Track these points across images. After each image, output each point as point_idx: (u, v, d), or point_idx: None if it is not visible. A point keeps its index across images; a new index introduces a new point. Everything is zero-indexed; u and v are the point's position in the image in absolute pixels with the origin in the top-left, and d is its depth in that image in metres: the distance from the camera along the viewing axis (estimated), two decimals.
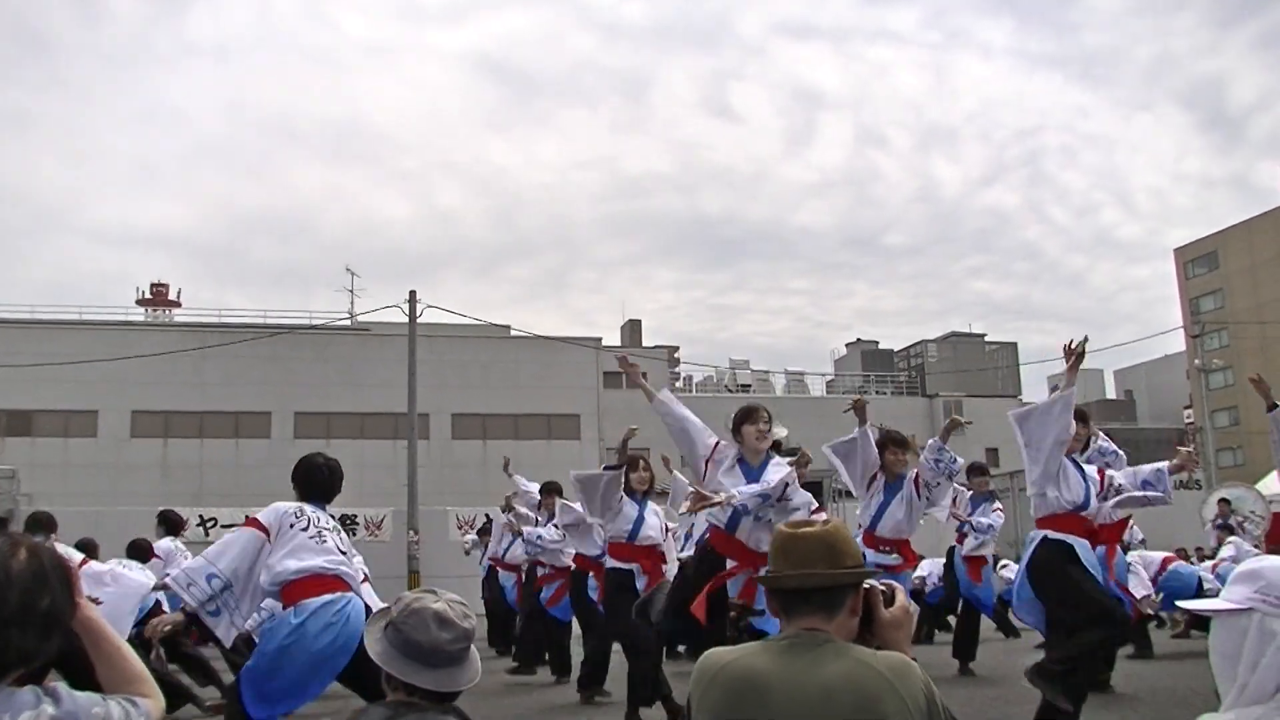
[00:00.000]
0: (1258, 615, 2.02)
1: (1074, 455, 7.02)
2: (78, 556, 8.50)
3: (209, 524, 23.76)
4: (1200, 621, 9.61)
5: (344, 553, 5.53)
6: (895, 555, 7.90)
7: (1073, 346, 6.68)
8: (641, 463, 8.30)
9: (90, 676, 2.20)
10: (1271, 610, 2.01)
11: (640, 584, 7.92)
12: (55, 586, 1.97)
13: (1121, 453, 9.04)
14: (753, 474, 6.59)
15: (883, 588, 2.50)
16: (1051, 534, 6.73)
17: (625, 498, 8.18)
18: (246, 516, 5.73)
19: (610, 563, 8.23)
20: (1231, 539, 13.60)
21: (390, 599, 2.89)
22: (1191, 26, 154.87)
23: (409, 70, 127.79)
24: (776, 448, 6.75)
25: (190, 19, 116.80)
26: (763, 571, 2.68)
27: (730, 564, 6.49)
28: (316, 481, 5.76)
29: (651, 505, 8.30)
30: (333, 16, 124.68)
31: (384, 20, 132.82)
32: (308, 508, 5.58)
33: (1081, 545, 6.66)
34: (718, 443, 6.80)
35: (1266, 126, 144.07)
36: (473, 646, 2.78)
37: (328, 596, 5.27)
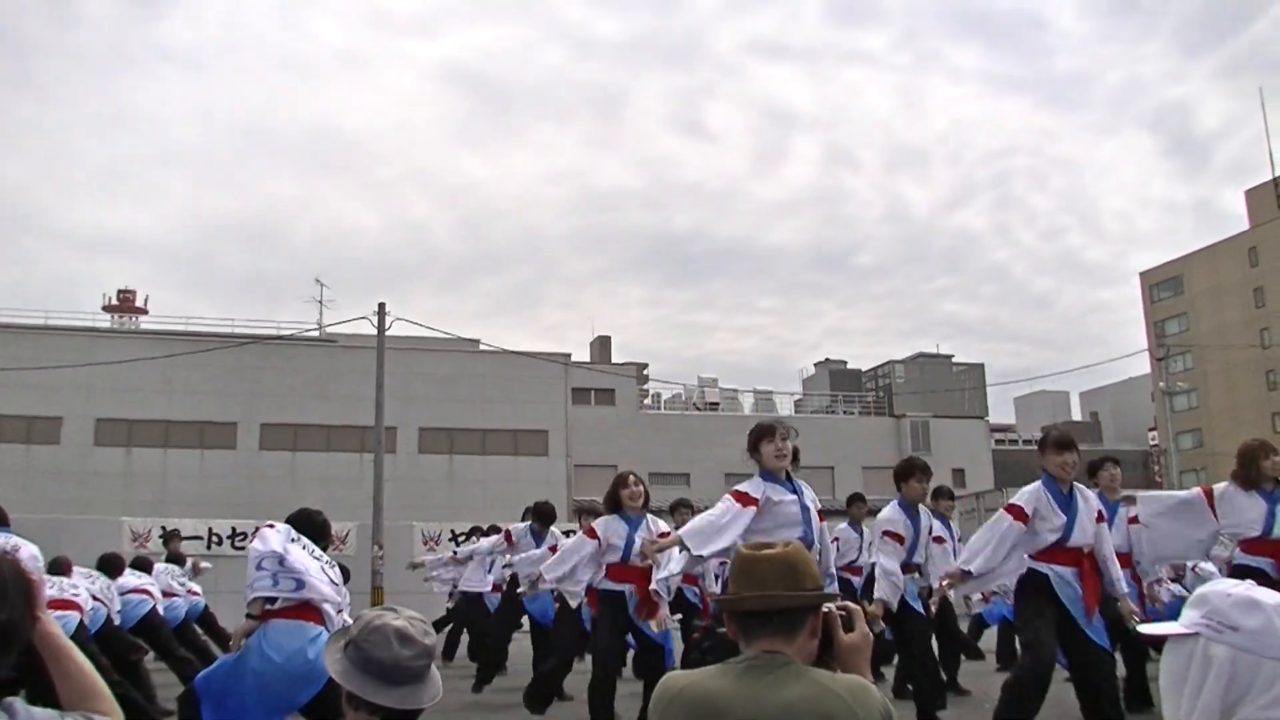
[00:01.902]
0: (1202, 640, 2.03)
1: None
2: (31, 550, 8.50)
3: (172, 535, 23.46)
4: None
5: (335, 584, 5.60)
6: None
7: None
8: (631, 478, 7.97)
9: (50, 692, 2.18)
10: (1213, 635, 2.01)
11: (632, 604, 7.75)
12: (14, 599, 1.93)
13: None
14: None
15: (842, 611, 2.50)
16: (1031, 563, 6.71)
17: (615, 518, 7.92)
18: (257, 527, 5.81)
19: (605, 585, 7.94)
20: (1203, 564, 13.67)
21: (354, 615, 2.88)
22: (1159, 53, 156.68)
23: (382, 80, 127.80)
24: (795, 459, 6.67)
25: (164, 24, 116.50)
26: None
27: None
28: (314, 524, 5.93)
29: (647, 522, 7.90)
30: (306, 25, 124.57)
31: (357, 30, 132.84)
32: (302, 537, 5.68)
33: (1060, 577, 6.55)
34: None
35: (1230, 153, 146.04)
36: (434, 664, 2.77)
37: (304, 624, 5.27)
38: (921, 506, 8.53)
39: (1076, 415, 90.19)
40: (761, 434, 6.57)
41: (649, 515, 7.99)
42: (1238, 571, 7.85)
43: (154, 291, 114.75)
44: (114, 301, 53.08)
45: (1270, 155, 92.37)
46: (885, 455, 50.93)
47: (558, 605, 9.47)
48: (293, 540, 5.52)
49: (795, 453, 6.58)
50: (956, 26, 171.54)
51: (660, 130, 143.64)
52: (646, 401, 54.89)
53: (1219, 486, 7.44)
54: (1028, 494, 6.69)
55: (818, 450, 41.80)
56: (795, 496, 6.38)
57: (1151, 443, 66.57)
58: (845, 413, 58.75)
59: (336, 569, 5.79)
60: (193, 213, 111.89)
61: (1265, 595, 2.05)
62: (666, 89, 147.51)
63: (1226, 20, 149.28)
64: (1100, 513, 6.82)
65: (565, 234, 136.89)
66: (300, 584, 5.28)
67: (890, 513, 8.19)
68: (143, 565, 11.75)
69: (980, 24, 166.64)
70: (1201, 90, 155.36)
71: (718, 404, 55.89)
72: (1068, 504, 6.64)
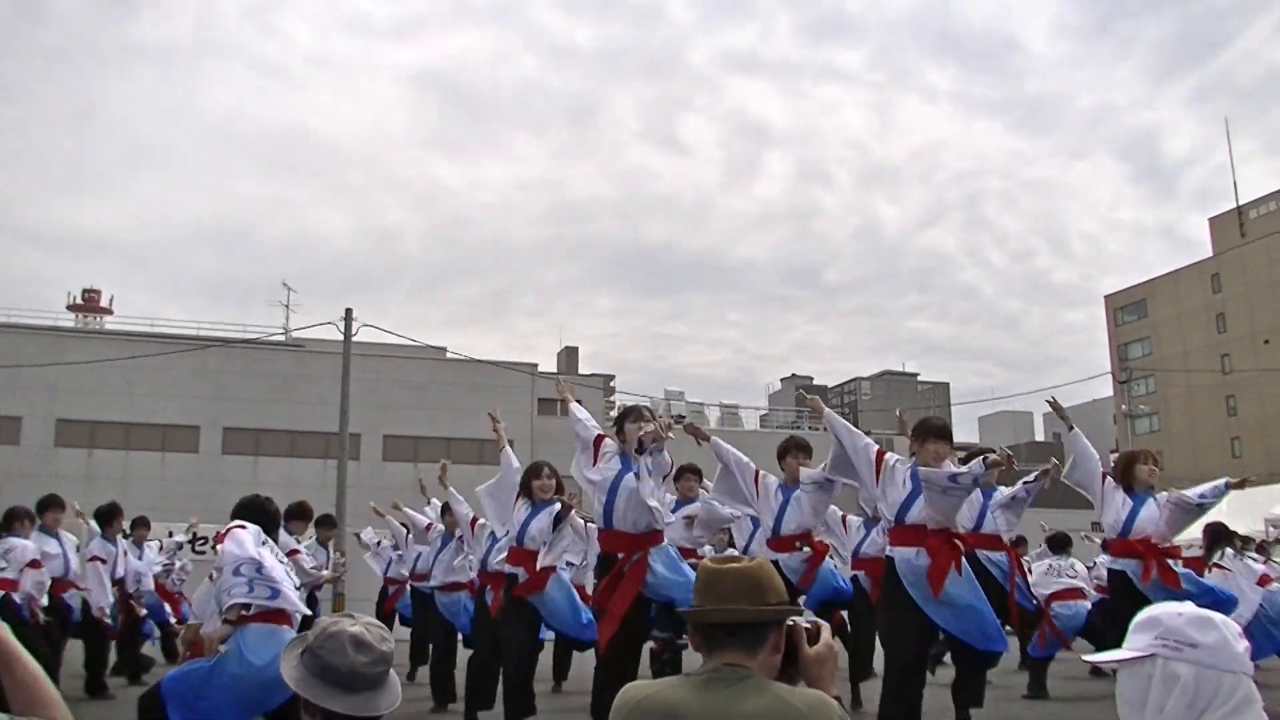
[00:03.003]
0: (1160, 661, 2.07)
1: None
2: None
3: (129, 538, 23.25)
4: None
5: (297, 586, 5.58)
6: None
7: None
8: (545, 470, 8.11)
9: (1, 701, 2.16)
10: (1173, 654, 2.06)
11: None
12: None
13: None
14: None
15: (807, 625, 2.51)
16: (889, 549, 6.81)
17: (522, 502, 8.04)
18: (218, 533, 5.67)
19: (504, 567, 8.15)
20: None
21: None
22: (1129, 79, 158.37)
23: (355, 84, 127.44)
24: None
25: (135, 23, 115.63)
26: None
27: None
28: (267, 513, 5.88)
29: (545, 511, 7.90)
30: (280, 27, 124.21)
31: (332, 33, 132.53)
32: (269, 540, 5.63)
33: (905, 560, 6.57)
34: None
35: (1196, 179, 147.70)
36: (392, 671, 2.75)
37: (280, 628, 5.24)
38: None
39: (1040, 435, 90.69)
40: (626, 414, 7.25)
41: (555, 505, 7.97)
42: (1110, 576, 8.10)
43: (120, 292, 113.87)
44: (79, 301, 52.61)
45: (1234, 183, 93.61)
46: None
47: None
48: (263, 543, 5.47)
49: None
50: (931, 46, 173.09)
51: (634, 141, 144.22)
52: (613, 413, 54.88)
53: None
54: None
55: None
56: (621, 469, 6.91)
57: (1113, 465, 67.02)
58: (810, 428, 58.89)
59: (292, 564, 5.76)
60: (160, 212, 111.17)
61: (1212, 612, 2.12)
62: (641, 100, 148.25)
63: (1195, 49, 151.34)
64: None
65: (537, 243, 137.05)
66: (275, 593, 5.24)
67: None
68: None
69: (954, 44, 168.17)
70: (1170, 117, 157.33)
71: (685, 417, 56.03)
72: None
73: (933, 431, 6.85)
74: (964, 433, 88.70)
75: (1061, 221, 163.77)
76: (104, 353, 37.70)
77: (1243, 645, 2.09)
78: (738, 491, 8.67)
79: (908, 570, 6.53)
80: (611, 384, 58.36)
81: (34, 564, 9.41)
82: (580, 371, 54.19)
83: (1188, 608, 2.15)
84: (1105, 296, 72.86)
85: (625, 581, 6.73)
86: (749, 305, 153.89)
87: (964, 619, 6.56)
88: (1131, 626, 2.19)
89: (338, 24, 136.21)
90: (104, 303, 53.29)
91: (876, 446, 6.99)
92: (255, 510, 5.84)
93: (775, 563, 8.21)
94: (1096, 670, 10.40)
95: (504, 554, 8.23)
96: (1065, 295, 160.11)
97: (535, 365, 47.32)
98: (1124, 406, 50.68)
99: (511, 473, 8.43)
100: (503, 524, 8.46)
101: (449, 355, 42.11)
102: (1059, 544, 12.18)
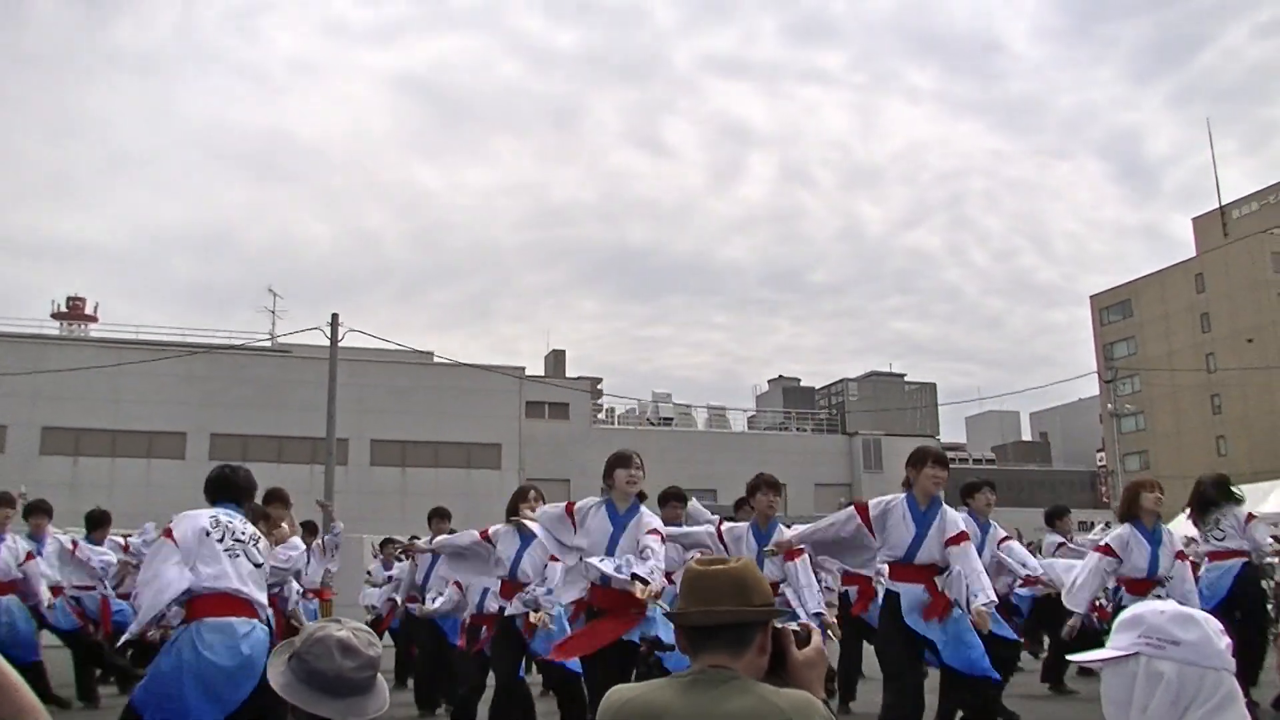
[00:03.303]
0: (1143, 659, 2.09)
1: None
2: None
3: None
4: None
5: (258, 565, 5.49)
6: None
7: None
8: (532, 494, 7.76)
9: None
10: (1155, 652, 2.08)
11: (520, 621, 7.41)
12: None
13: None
14: (619, 519, 6.65)
15: (796, 628, 2.51)
16: (888, 583, 6.81)
17: (508, 531, 7.67)
18: (165, 528, 5.62)
19: (500, 603, 7.71)
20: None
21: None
22: (1110, 80, 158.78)
23: (336, 89, 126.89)
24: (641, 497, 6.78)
25: (115, 29, 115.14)
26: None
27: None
28: (227, 484, 5.74)
29: (538, 541, 7.48)
30: (260, 32, 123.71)
31: (312, 37, 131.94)
32: (223, 515, 5.52)
33: (910, 595, 6.59)
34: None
35: (1178, 180, 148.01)
36: (379, 676, 2.75)
37: (233, 619, 5.20)
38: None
39: (1026, 435, 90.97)
40: (617, 461, 6.78)
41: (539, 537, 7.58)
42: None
43: (103, 299, 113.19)
44: (63, 309, 52.37)
45: (1217, 183, 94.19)
46: (837, 473, 51.21)
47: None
48: (208, 534, 5.37)
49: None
50: (913, 48, 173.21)
51: (617, 145, 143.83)
52: (600, 416, 54.82)
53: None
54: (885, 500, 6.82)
55: (770, 467, 41.79)
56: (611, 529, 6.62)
57: (1099, 464, 67.25)
58: (798, 430, 58.98)
59: (264, 543, 5.68)
60: (142, 219, 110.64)
61: (1196, 611, 2.14)
62: (624, 103, 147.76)
63: (1176, 50, 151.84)
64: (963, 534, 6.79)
65: (520, 247, 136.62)
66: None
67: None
68: None
69: (937, 46, 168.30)
70: (1152, 118, 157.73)
71: (671, 419, 55.96)
72: (923, 519, 6.67)
73: (931, 457, 6.79)
74: (951, 433, 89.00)
75: (1044, 221, 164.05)
76: (89, 360, 37.54)
77: (1225, 642, 2.11)
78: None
79: (913, 605, 6.54)
80: (599, 387, 58.30)
81: None
82: (568, 374, 54.07)
83: (1170, 605, 2.17)
84: (1091, 296, 73.11)
85: (617, 624, 6.50)
86: (733, 308, 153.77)
87: (960, 649, 6.57)
88: (1115, 625, 2.21)
89: (318, 29, 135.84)
90: (88, 310, 53.08)
91: (849, 506, 6.87)
92: (221, 484, 5.73)
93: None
94: (1085, 670, 10.43)
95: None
96: (1049, 295, 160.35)
97: (523, 369, 47.25)
98: (1109, 406, 50.77)
99: (465, 537, 8.25)
100: (482, 578, 8.36)
101: (436, 359, 42.02)
102: (1055, 516, 11.98)
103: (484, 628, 8.55)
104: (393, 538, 14.81)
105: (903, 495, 6.79)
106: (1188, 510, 9.53)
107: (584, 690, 7.17)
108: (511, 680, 7.54)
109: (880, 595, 7.55)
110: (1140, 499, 8.21)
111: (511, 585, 7.50)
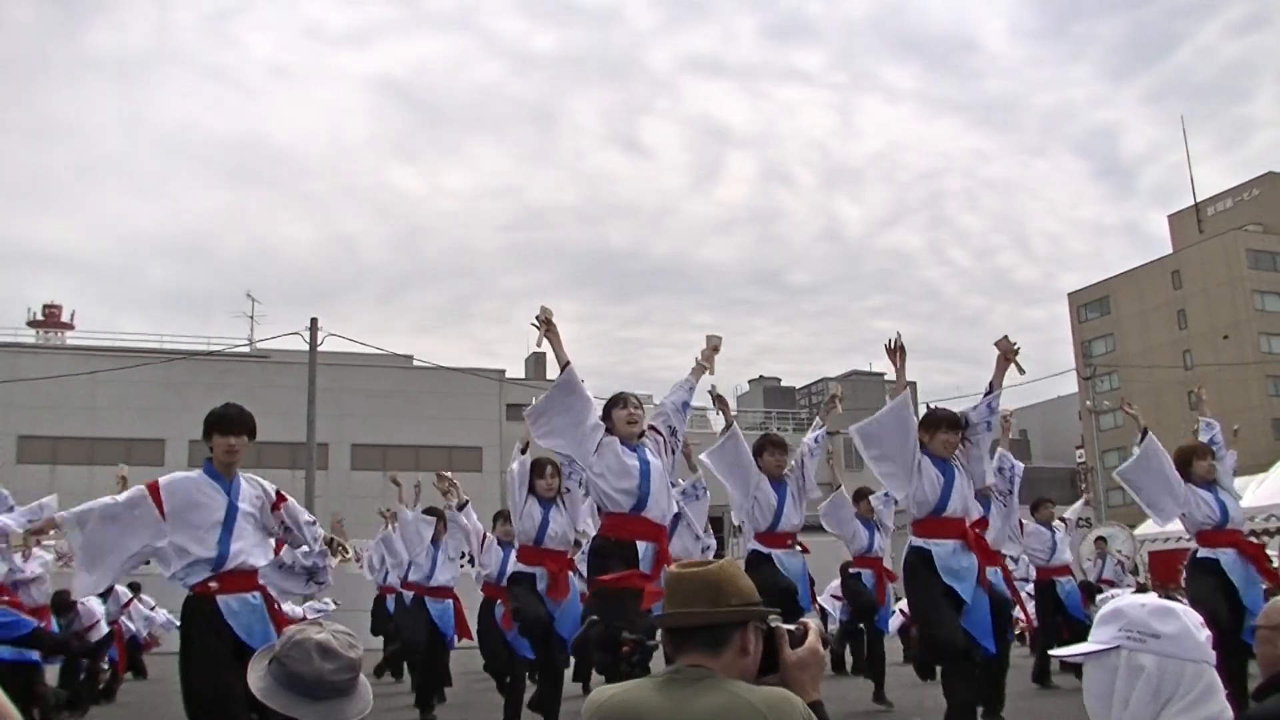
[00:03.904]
0: (1124, 652, 2.10)
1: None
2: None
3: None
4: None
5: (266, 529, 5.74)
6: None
7: (893, 345, 6.87)
8: (549, 469, 8.10)
9: None
10: (1136, 645, 2.09)
11: (542, 587, 7.79)
12: None
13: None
14: (635, 449, 6.68)
15: (792, 628, 2.51)
16: (915, 540, 6.74)
17: (532, 500, 8.01)
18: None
19: (516, 567, 8.12)
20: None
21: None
22: (1087, 78, 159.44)
23: (313, 92, 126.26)
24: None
25: (88, 33, 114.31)
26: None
27: (641, 544, 6.42)
28: (229, 418, 6.03)
29: (557, 509, 8.01)
30: (235, 35, 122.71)
31: (288, 40, 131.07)
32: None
33: (942, 551, 6.57)
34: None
35: (1155, 178, 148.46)
36: (362, 677, 2.73)
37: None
38: None
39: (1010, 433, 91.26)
40: (613, 402, 6.86)
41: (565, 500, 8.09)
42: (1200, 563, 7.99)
43: (79, 306, 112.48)
44: (39, 317, 52.04)
45: (1191, 181, 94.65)
46: (819, 472, 51.21)
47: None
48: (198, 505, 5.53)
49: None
50: (891, 47, 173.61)
51: (596, 146, 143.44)
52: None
53: None
54: None
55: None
56: (637, 457, 6.57)
57: (1079, 460, 67.59)
58: (780, 429, 59.06)
59: (264, 486, 5.76)
60: (117, 225, 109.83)
61: (1176, 604, 2.15)
62: (603, 105, 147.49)
63: (1150, 48, 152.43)
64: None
65: (500, 249, 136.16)
66: None
67: None
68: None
69: (915, 45, 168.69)
70: (1128, 116, 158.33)
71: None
72: (948, 468, 6.71)
73: (945, 422, 6.85)
74: None
75: (1023, 219, 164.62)
76: (65, 368, 37.41)
77: (1204, 634, 2.12)
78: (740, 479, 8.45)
79: (948, 561, 6.52)
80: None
81: None
82: (548, 377, 54.03)
83: (1150, 599, 2.18)
84: (1068, 294, 73.40)
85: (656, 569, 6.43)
86: (714, 308, 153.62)
87: (975, 614, 6.57)
88: (1096, 619, 2.22)
89: (295, 32, 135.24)
90: (64, 317, 52.77)
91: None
92: (213, 420, 5.95)
93: (770, 558, 8.24)
94: (1068, 665, 10.49)
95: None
96: (1028, 293, 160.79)
97: (503, 371, 47.20)
98: (1088, 403, 50.94)
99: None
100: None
101: (416, 363, 41.97)
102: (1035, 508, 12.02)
103: (498, 600, 8.71)
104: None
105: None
106: None
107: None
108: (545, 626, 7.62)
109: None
110: (1193, 467, 8.26)
111: (536, 551, 7.84)
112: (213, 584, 5.43)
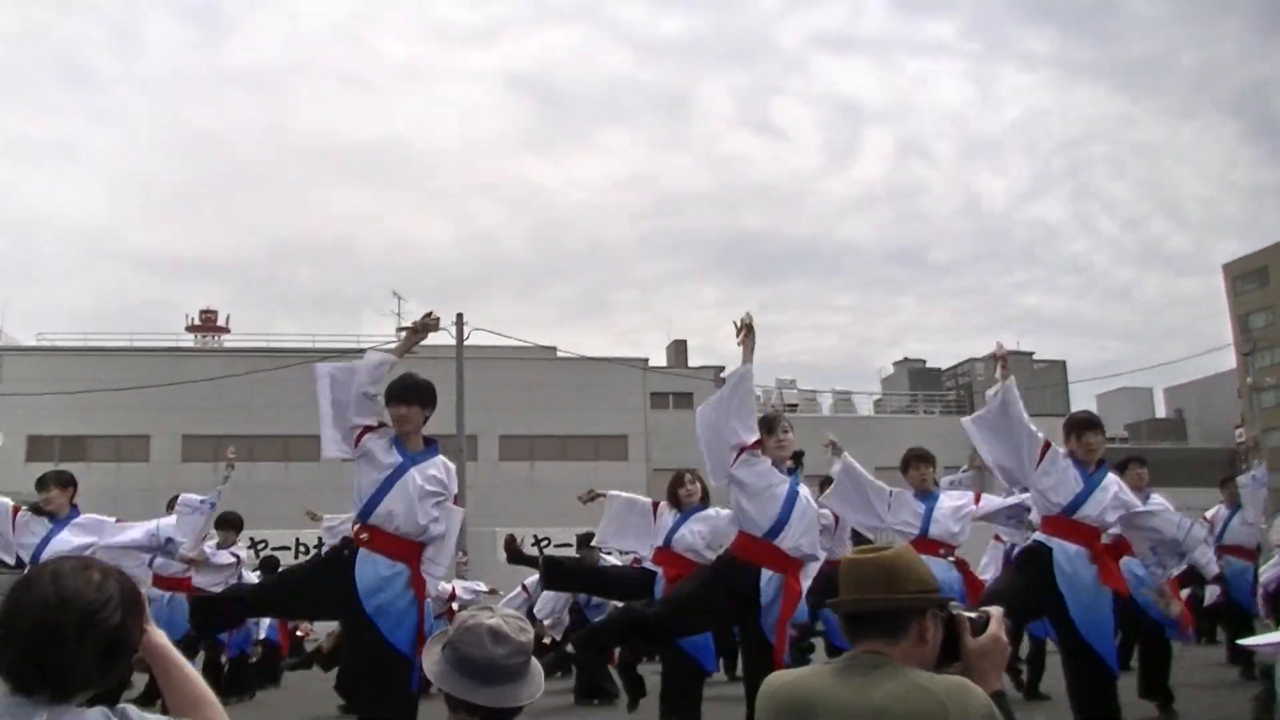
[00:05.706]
0: None
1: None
2: None
3: (259, 546, 24.07)
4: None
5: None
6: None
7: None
8: (688, 476, 8.44)
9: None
10: None
11: (659, 588, 8.06)
12: (122, 610, 1.97)
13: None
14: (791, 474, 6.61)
15: (974, 615, 2.49)
16: (1040, 536, 6.54)
17: (668, 509, 8.47)
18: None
19: (646, 565, 8.70)
20: None
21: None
22: (1236, 32, 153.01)
23: (444, 91, 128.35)
24: (798, 458, 6.64)
25: (226, 47, 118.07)
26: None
27: (765, 573, 6.33)
28: (405, 385, 6.54)
29: (694, 518, 8.27)
30: (366, 40, 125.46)
31: (417, 42, 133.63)
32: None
33: (1068, 554, 6.33)
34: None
35: None
36: (533, 661, 2.78)
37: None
38: None
39: (1160, 412, 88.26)
40: (767, 428, 6.61)
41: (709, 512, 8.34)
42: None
43: (234, 310, 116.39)
44: (196, 322, 53.95)
45: None
46: (965, 455, 50.24)
47: None
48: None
49: (799, 455, 6.65)
50: (1026, 12, 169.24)
51: (728, 130, 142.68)
52: None
53: None
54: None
55: (897, 451, 41.44)
56: (788, 484, 6.45)
57: (1238, 440, 65.19)
58: (926, 412, 58.21)
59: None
60: (264, 231, 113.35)
61: None
62: (733, 87, 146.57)
63: None
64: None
65: (636, 238, 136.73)
66: None
67: None
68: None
69: (1050, 8, 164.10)
70: None
71: (796, 405, 55.59)
72: (1090, 478, 6.47)
73: (1085, 425, 6.64)
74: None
75: (1173, 185, 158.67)
76: (224, 370, 38.84)
77: None
78: (863, 505, 8.52)
79: (1068, 564, 6.29)
80: (722, 375, 58.18)
81: None
82: (690, 364, 54.05)
83: None
84: (1223, 265, 70.74)
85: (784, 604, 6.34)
86: (854, 289, 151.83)
87: (1094, 621, 6.38)
88: None
89: (424, 33, 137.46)
90: (220, 321, 54.61)
91: (1043, 437, 6.63)
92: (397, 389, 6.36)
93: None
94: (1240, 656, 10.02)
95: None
96: (1180, 263, 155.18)
97: (646, 360, 47.37)
98: (1249, 380, 49.03)
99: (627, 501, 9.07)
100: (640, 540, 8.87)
101: (559, 354, 42.42)
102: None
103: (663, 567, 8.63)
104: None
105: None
106: None
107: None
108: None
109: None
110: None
111: (666, 554, 8.20)
112: (363, 535, 5.76)
